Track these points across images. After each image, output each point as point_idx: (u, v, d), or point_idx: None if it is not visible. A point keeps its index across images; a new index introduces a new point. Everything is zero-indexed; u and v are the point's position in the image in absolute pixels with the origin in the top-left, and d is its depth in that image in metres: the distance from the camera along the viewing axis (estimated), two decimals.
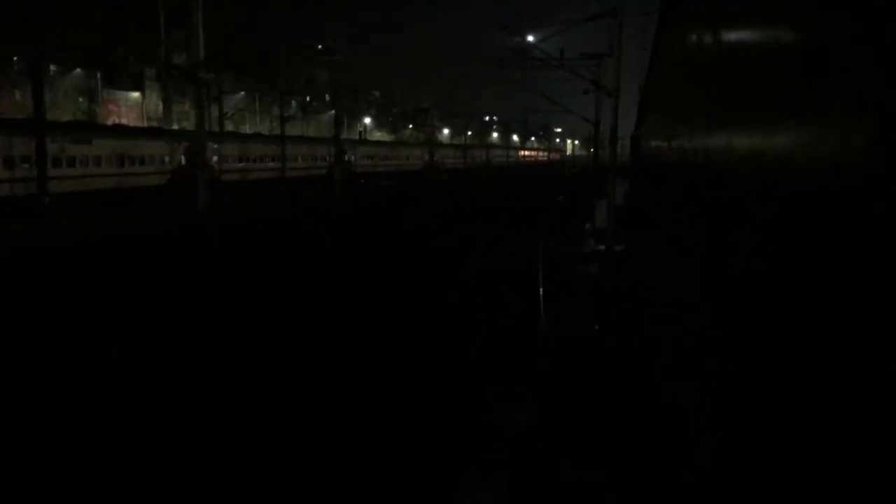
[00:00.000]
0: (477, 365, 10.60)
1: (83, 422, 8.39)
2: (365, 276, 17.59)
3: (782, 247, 2.48)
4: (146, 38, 52.29)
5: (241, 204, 33.69)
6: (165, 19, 48.13)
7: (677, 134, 8.30)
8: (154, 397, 9.26)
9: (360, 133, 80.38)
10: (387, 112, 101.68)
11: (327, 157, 52.90)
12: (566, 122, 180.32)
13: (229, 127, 55.71)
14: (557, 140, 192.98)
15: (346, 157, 57.35)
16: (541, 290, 14.45)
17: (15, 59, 46.67)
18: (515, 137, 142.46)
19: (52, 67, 51.96)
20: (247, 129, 64.52)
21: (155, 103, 59.75)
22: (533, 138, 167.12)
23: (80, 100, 54.02)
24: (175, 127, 51.84)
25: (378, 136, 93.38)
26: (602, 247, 21.36)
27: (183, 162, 38.67)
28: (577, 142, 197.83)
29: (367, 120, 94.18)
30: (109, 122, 51.19)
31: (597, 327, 11.66)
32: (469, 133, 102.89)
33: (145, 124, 54.63)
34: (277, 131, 46.27)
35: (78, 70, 53.71)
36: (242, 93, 68.26)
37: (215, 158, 41.89)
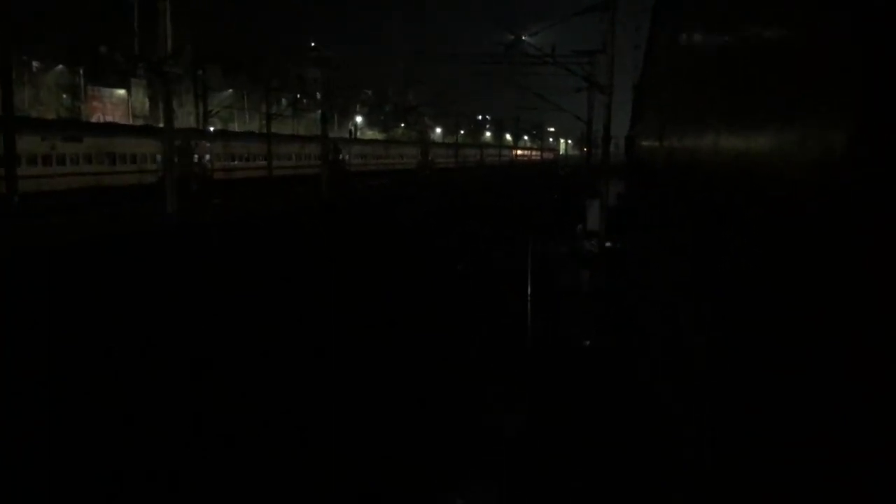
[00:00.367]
0: (464, 366, 10.60)
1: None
2: (354, 276, 17.56)
3: (768, 248, 2.49)
4: (129, 35, 51.97)
5: (232, 203, 33.52)
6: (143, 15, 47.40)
7: (668, 134, 8.33)
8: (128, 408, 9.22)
9: (350, 132, 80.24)
10: (379, 111, 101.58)
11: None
12: (559, 121, 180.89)
13: (217, 125, 55.29)
14: (551, 140, 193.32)
15: (341, 156, 57.25)
16: (528, 294, 14.41)
17: None
18: (508, 137, 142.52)
19: (35, 64, 51.55)
20: (235, 126, 64.26)
21: (141, 101, 59.26)
22: (526, 137, 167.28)
23: (65, 97, 53.61)
24: (161, 125, 51.36)
25: (370, 134, 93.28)
26: (594, 248, 21.32)
27: (175, 160, 38.51)
28: (570, 141, 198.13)
29: (359, 119, 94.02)
30: (94, 120, 50.72)
31: (587, 343, 11.61)
32: (462, 132, 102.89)
33: (131, 122, 54.18)
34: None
35: (60, 66, 53.18)
36: (231, 90, 67.97)
37: (207, 157, 41.73)
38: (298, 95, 66.44)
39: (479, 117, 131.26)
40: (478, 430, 8.29)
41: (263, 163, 45.13)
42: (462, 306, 14.38)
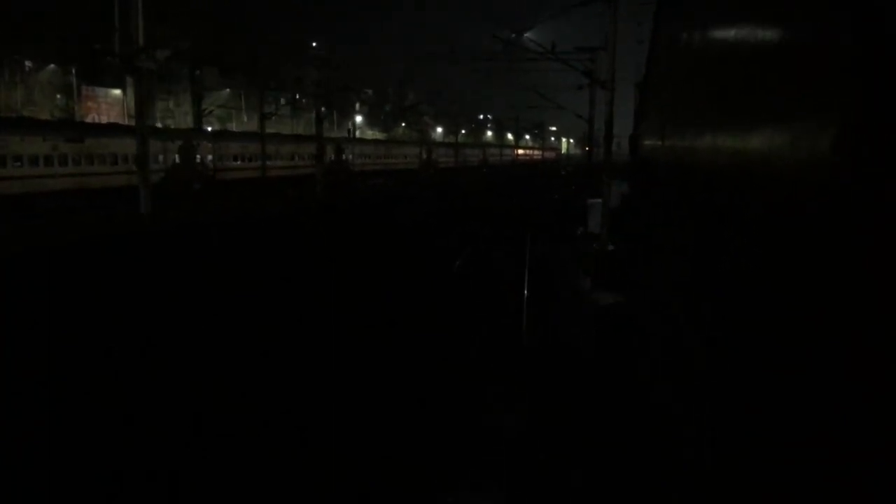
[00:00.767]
0: (463, 366, 10.59)
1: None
2: (354, 276, 17.56)
3: (767, 248, 2.48)
4: (124, 33, 51.64)
5: (230, 204, 33.45)
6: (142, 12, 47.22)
7: (669, 134, 8.32)
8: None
9: (349, 131, 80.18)
10: (379, 110, 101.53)
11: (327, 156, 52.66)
12: (561, 120, 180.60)
13: (214, 124, 55.09)
14: (553, 139, 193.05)
15: (345, 156, 57.17)
16: (525, 298, 14.36)
17: None
18: (510, 136, 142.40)
19: (28, 63, 51.35)
20: (234, 126, 64.14)
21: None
22: (528, 136, 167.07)
23: (59, 97, 53.37)
24: (158, 125, 51.23)
25: (370, 134, 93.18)
26: (595, 250, 21.13)
27: (177, 160, 38.52)
28: (571, 140, 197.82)
29: (359, 118, 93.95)
30: (88, 120, 50.44)
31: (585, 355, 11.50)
32: (462, 132, 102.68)
33: (126, 122, 54.10)
34: (268, 129, 45.71)
35: (52, 66, 52.84)
36: (228, 90, 67.83)
37: (210, 157, 41.70)
38: (297, 95, 66.45)
39: (480, 116, 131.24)
40: (478, 430, 8.28)
41: (268, 163, 45.25)
42: (462, 306, 14.38)
